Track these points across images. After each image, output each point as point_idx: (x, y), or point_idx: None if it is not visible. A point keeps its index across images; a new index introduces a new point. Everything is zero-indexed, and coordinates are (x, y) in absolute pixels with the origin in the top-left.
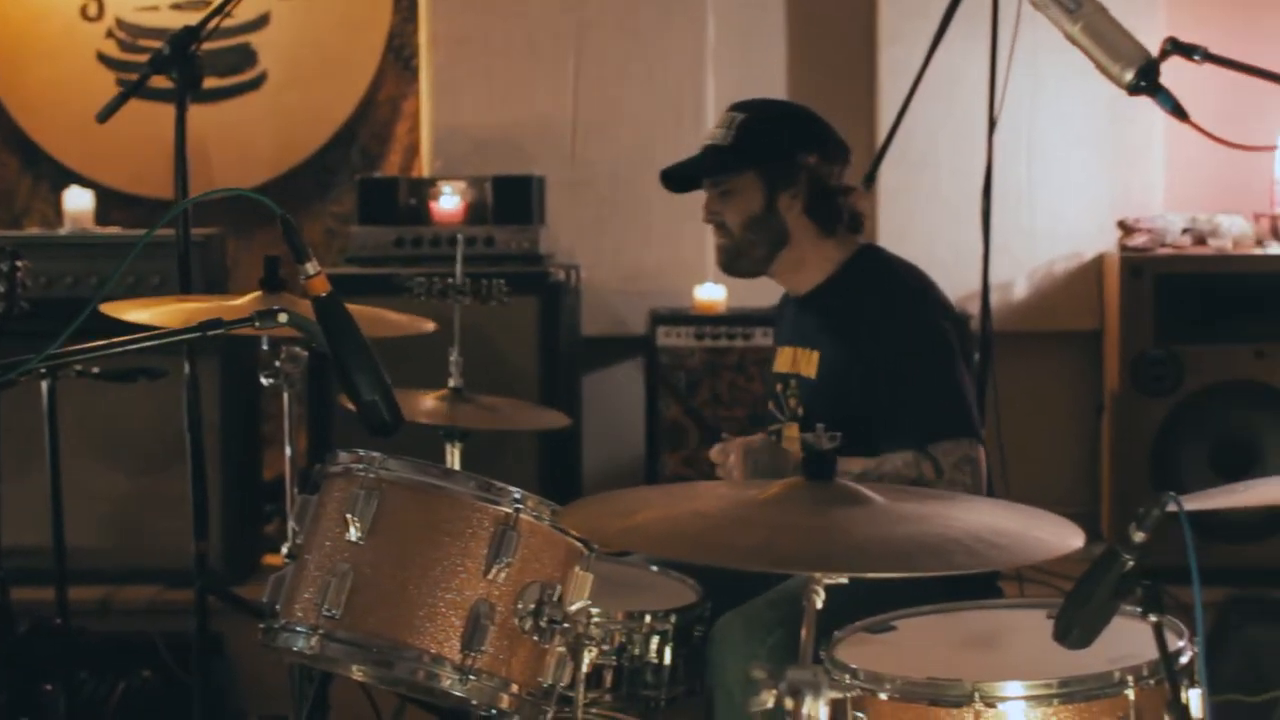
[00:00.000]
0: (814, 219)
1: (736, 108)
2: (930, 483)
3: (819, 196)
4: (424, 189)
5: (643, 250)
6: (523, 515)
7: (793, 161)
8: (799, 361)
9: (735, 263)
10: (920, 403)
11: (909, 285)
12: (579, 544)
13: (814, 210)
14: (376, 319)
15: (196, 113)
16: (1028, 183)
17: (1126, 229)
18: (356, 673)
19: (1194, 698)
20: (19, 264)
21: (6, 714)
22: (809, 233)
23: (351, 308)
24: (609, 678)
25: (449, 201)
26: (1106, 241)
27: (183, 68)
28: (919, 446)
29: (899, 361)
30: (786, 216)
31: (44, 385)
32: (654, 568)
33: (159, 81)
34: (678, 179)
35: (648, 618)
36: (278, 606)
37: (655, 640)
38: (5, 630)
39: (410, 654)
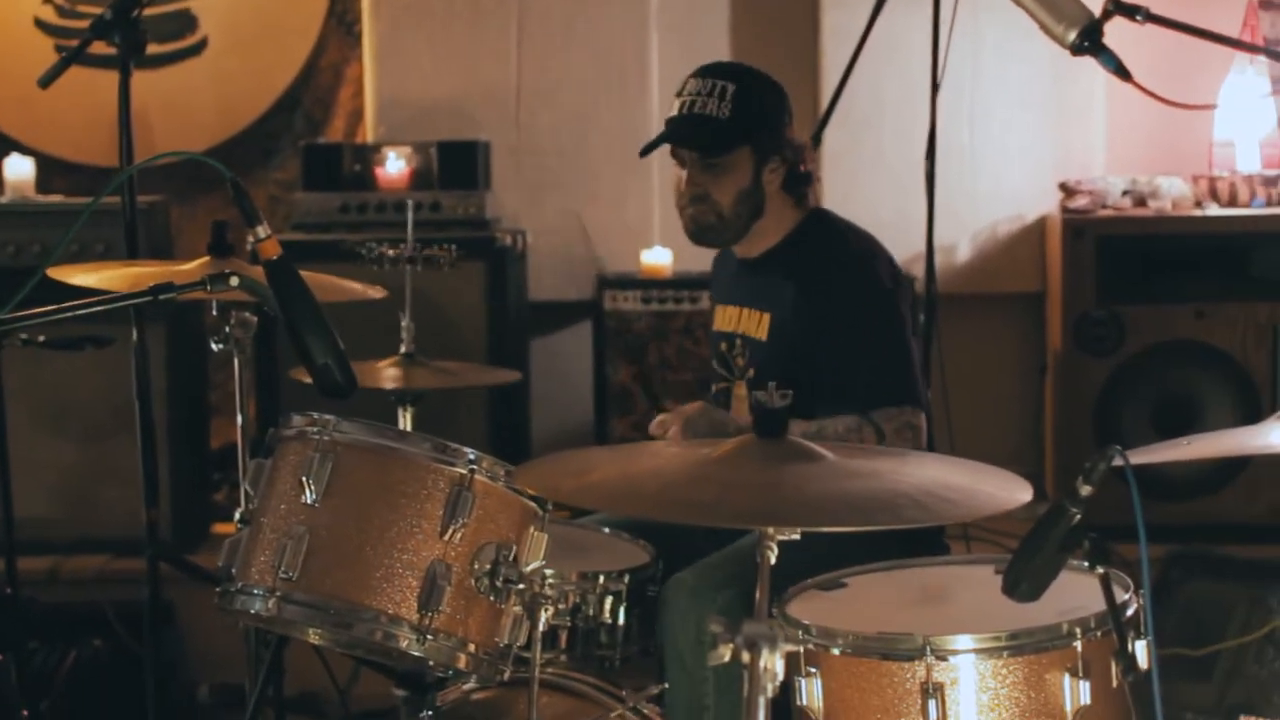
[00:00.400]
0: (789, 191)
1: (715, 74)
2: None
3: (797, 169)
4: (369, 155)
5: (589, 214)
6: (478, 476)
7: (782, 137)
8: (747, 322)
9: (712, 235)
10: (864, 368)
11: (858, 251)
12: (533, 504)
13: (791, 183)
14: (327, 286)
15: (137, 79)
16: (970, 145)
17: (1068, 191)
18: (313, 635)
19: (1140, 648)
20: None
21: None
22: (780, 203)
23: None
24: (564, 638)
25: (394, 167)
26: (1048, 204)
27: (125, 32)
28: (861, 411)
29: (845, 326)
30: (767, 190)
31: None
32: (606, 530)
33: (98, 48)
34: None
35: (601, 578)
36: (233, 570)
37: (609, 600)
38: None
39: (368, 615)
